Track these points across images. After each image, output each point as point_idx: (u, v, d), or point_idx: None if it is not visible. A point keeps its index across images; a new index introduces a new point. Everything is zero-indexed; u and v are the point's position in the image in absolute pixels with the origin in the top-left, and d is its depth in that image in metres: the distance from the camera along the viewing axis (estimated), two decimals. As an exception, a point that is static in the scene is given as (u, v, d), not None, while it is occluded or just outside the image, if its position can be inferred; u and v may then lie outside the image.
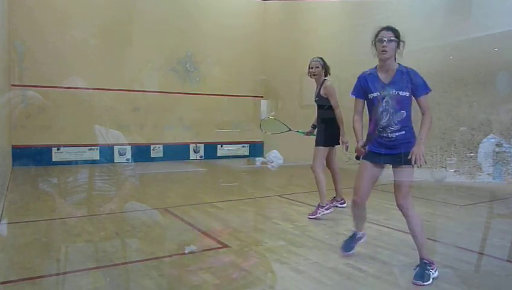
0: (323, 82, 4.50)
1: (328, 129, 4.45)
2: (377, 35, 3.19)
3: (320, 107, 4.47)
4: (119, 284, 2.67)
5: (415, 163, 2.70)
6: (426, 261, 2.71)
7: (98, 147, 9.66)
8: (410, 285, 2.62)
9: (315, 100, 4.58)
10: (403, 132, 2.83)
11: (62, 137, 9.29)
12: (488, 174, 6.65)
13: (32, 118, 8.96)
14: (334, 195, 4.94)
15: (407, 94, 2.89)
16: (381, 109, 2.89)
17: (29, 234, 3.75)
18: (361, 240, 3.29)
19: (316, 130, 4.66)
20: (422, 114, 2.88)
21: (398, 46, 3.07)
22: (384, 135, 2.85)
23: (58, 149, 9.37)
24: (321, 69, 4.46)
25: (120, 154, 9.95)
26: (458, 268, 2.92)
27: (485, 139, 6.65)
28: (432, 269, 2.69)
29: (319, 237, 3.74)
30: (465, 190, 6.43)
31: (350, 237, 3.26)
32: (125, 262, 3.06)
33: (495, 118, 6.64)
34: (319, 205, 4.41)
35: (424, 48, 7.76)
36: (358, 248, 3.36)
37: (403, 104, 2.87)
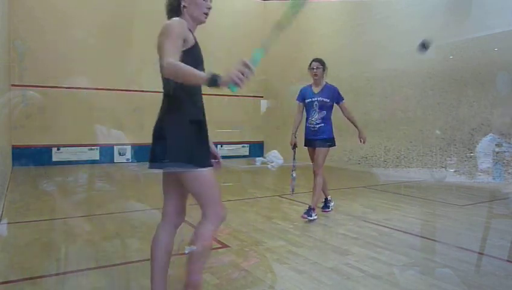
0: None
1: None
2: (310, 64, 4.48)
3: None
4: (119, 284, 2.67)
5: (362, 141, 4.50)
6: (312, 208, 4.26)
7: (98, 147, 9.69)
8: (410, 285, 2.63)
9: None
10: (323, 124, 4.39)
11: (62, 137, 9.30)
12: (484, 172, 6.65)
13: (32, 118, 8.96)
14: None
15: (328, 101, 4.39)
16: (311, 110, 4.44)
17: (29, 234, 3.75)
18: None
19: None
20: (348, 113, 4.51)
21: (323, 70, 4.46)
22: (312, 126, 4.45)
23: (58, 149, 9.38)
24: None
25: (120, 154, 10.00)
26: (458, 268, 2.92)
27: (484, 138, 6.66)
28: (314, 213, 4.26)
29: (319, 237, 3.74)
30: (465, 190, 6.43)
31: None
32: (125, 262, 3.06)
33: (495, 118, 6.64)
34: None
35: (424, 48, 7.76)
36: (358, 248, 3.37)
37: (325, 107, 4.39)
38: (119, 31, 9.73)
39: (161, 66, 1.84)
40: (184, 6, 2.06)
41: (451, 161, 7.30)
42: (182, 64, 1.78)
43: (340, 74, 9.72)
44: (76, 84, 9.38)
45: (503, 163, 6.40)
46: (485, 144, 6.43)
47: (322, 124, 4.41)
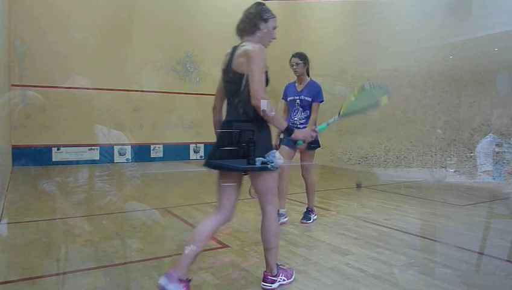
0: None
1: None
2: (290, 60, 4.06)
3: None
4: (119, 284, 2.67)
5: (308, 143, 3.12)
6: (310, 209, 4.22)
7: (98, 147, 9.69)
8: (410, 285, 2.63)
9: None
10: (308, 125, 3.95)
11: (62, 137, 9.29)
12: (484, 172, 6.66)
13: (32, 118, 8.96)
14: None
15: (310, 100, 3.97)
16: (294, 108, 4.06)
17: (29, 234, 3.75)
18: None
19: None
20: (313, 115, 4.00)
21: (305, 65, 4.00)
22: (295, 126, 3.98)
23: (58, 149, 9.37)
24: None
25: (120, 154, 9.99)
26: (458, 268, 2.92)
27: (483, 139, 6.66)
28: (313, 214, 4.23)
29: (319, 237, 3.74)
30: (465, 190, 6.43)
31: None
32: (125, 262, 3.06)
33: (495, 119, 6.64)
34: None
35: (424, 48, 7.77)
36: (358, 248, 3.37)
37: (308, 106, 3.97)
38: (119, 31, 9.73)
39: (255, 99, 2.24)
40: (259, 30, 2.44)
41: (451, 161, 7.30)
42: (275, 114, 2.32)
43: (340, 74, 9.73)
44: (76, 84, 9.38)
45: (503, 163, 6.39)
46: (485, 144, 6.43)
47: (307, 124, 4.02)
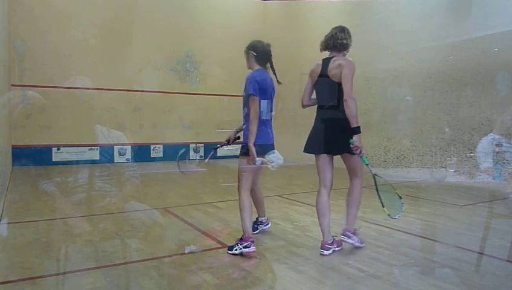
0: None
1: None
2: None
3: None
4: (119, 284, 2.67)
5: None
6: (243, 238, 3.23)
7: (98, 147, 9.69)
8: (410, 285, 2.63)
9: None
10: (245, 126, 3.29)
11: (62, 137, 9.30)
12: (485, 171, 6.65)
13: (32, 118, 8.96)
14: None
15: (245, 95, 3.29)
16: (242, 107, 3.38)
17: (29, 234, 3.75)
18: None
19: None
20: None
21: (249, 57, 3.42)
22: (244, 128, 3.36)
23: (58, 149, 9.38)
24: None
25: (120, 154, 9.99)
26: (458, 268, 2.92)
27: (483, 138, 6.66)
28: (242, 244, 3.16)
29: (319, 237, 3.73)
30: (465, 190, 6.43)
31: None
32: (125, 262, 3.06)
33: (495, 118, 6.63)
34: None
35: (424, 48, 7.77)
36: (358, 248, 3.37)
37: (246, 103, 3.26)
38: (119, 31, 9.73)
39: (348, 97, 3.00)
40: (346, 49, 3.26)
41: (451, 161, 7.30)
42: (356, 112, 3.03)
43: (340, 74, 9.71)
44: (76, 84, 9.38)
45: (503, 163, 6.39)
46: (485, 143, 6.43)
47: (245, 126, 3.29)
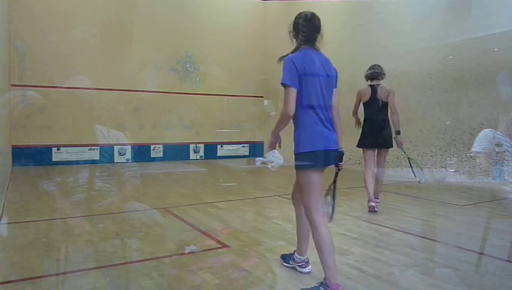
0: None
1: None
2: None
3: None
4: (119, 284, 2.67)
5: None
6: None
7: (98, 147, 9.68)
8: (410, 285, 2.63)
9: None
10: None
11: (62, 137, 9.30)
12: (484, 172, 6.64)
13: (32, 118, 8.96)
14: None
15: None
16: None
17: (29, 234, 3.75)
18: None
19: None
20: None
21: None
22: None
23: (58, 149, 9.37)
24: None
25: (120, 154, 9.99)
26: (458, 268, 2.92)
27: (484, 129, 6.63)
28: None
29: (319, 237, 3.73)
30: (465, 190, 6.43)
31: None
32: (125, 262, 3.06)
33: (496, 118, 6.63)
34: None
35: (424, 48, 7.77)
36: (358, 248, 3.37)
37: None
38: (119, 31, 9.73)
39: (393, 109, 4.86)
40: (383, 78, 5.13)
41: (451, 161, 7.30)
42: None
43: (340, 74, 9.71)
44: (76, 84, 9.38)
45: (503, 163, 6.39)
46: (485, 132, 6.42)
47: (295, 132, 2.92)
